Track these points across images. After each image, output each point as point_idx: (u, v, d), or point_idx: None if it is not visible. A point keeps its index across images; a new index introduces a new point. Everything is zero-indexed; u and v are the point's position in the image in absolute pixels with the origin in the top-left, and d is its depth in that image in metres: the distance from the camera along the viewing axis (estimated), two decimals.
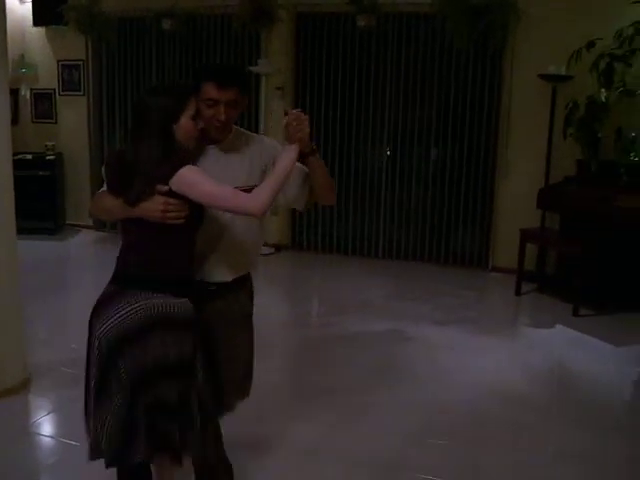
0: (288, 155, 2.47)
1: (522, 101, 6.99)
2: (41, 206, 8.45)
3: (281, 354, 5.17)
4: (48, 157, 8.67)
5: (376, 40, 7.57)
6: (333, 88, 7.84)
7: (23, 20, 8.64)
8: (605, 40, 6.20)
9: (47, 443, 3.69)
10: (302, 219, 8.07)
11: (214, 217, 2.59)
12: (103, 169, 2.56)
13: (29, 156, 8.57)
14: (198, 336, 2.52)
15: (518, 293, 6.61)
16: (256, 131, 7.39)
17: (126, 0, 8.07)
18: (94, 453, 2.45)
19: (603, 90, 6.19)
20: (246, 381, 2.89)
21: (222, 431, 2.91)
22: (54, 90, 8.89)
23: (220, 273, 2.70)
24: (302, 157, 2.55)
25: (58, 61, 8.78)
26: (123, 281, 2.47)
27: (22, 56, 8.69)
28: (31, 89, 8.97)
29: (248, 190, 2.48)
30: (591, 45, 6.21)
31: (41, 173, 8.53)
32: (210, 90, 2.51)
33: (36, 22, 8.54)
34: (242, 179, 2.61)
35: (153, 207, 2.35)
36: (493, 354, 5.16)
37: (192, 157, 2.51)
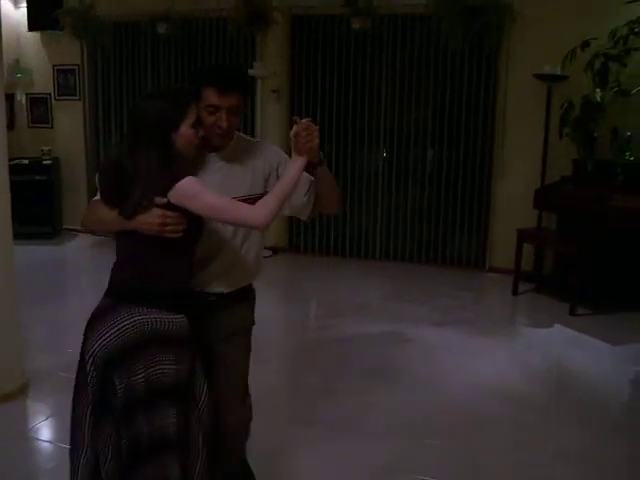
0: (295, 166, 2.37)
1: (518, 101, 7.00)
2: (38, 211, 8.45)
3: (279, 356, 5.17)
4: (44, 162, 8.67)
5: (371, 42, 7.58)
6: (329, 90, 7.84)
7: (18, 25, 8.64)
8: (600, 40, 6.22)
9: (45, 448, 3.70)
10: (299, 221, 8.07)
11: (214, 228, 2.50)
12: (97, 177, 2.46)
13: (25, 161, 8.58)
14: (196, 352, 2.43)
15: (515, 293, 6.62)
16: (252, 134, 7.40)
17: (121, 4, 8.05)
18: None
19: (598, 90, 6.20)
20: (237, 395, 2.75)
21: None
22: (50, 95, 8.89)
23: (220, 284, 2.61)
24: (310, 167, 2.45)
25: (53, 66, 8.78)
26: (117, 295, 2.37)
27: (17, 61, 8.69)
28: (26, 94, 8.97)
29: (251, 200, 2.40)
30: (586, 45, 6.22)
31: (38, 178, 8.53)
32: (211, 96, 2.40)
33: (31, 27, 8.55)
34: (245, 188, 2.53)
35: (150, 220, 2.25)
36: (491, 354, 5.16)
37: (192, 167, 2.41)
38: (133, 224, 2.27)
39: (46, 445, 3.72)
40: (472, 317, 6.15)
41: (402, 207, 7.80)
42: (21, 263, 4.40)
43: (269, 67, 7.64)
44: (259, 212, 2.29)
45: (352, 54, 7.70)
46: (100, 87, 8.75)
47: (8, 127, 4.32)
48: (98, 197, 2.45)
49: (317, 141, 2.37)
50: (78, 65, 8.67)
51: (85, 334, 2.37)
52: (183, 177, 2.24)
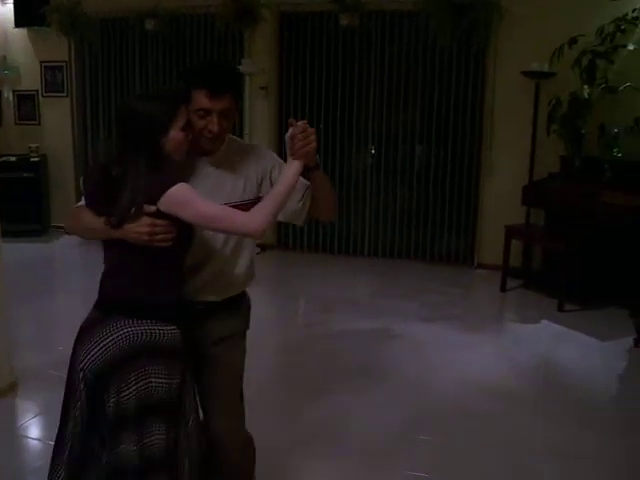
0: (291, 170, 2.26)
1: (505, 98, 7.02)
2: (26, 208, 8.43)
3: (267, 353, 5.16)
4: (32, 159, 8.64)
5: (359, 39, 7.58)
6: (317, 87, 7.85)
7: (5, 21, 8.61)
8: (587, 37, 6.25)
9: (34, 446, 3.69)
10: None
11: (204, 236, 2.39)
12: (82, 182, 2.36)
13: (13, 158, 8.56)
14: (188, 364, 2.33)
15: (503, 289, 6.64)
16: (240, 131, 7.40)
17: (108, 1, 8.03)
18: None
19: (586, 87, 6.23)
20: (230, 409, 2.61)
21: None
22: (37, 91, 8.85)
23: (209, 293, 2.48)
24: (306, 171, 2.34)
25: (41, 62, 8.74)
26: (106, 307, 2.26)
27: (4, 57, 8.65)
28: (14, 91, 8.93)
29: (244, 206, 2.31)
30: (573, 42, 6.25)
31: (25, 175, 8.51)
32: (201, 99, 2.26)
33: (18, 23, 8.50)
34: (237, 194, 2.41)
35: (138, 229, 2.12)
36: (479, 350, 5.18)
37: (183, 172, 2.28)
38: (120, 233, 2.16)
39: (35, 443, 3.71)
40: (460, 313, 6.17)
41: (391, 204, 7.82)
42: (9, 261, 4.38)
43: (257, 64, 7.63)
44: (254, 219, 2.18)
45: (340, 51, 7.71)
46: (88, 84, 8.72)
47: None
48: (83, 202, 2.34)
49: (314, 144, 2.26)
50: (66, 62, 8.62)
51: (74, 348, 2.27)
52: (174, 183, 2.12)
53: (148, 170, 2.14)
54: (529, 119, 6.73)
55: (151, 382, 2.19)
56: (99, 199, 2.23)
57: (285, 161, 2.35)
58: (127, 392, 2.17)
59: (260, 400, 4.11)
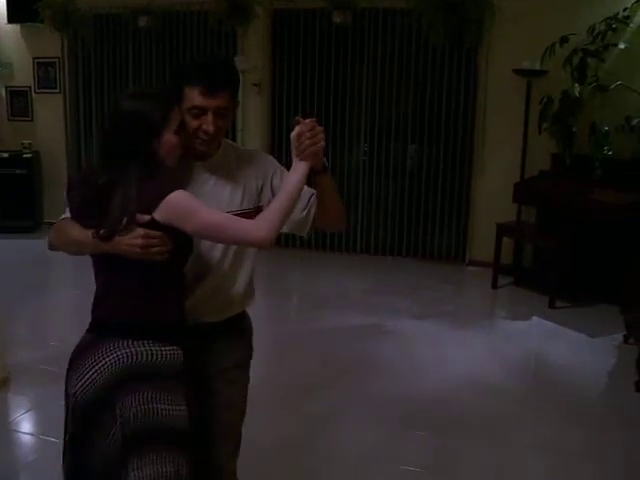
0: (298, 172, 2.05)
1: (497, 96, 7.04)
2: (18, 205, 8.44)
3: (260, 350, 5.15)
4: (25, 155, 8.62)
5: (352, 36, 7.60)
6: (310, 84, 7.86)
7: None
8: (578, 35, 6.28)
9: (27, 441, 3.71)
10: None
11: (200, 248, 2.17)
12: (66, 193, 2.12)
13: (5, 154, 8.55)
14: (190, 389, 2.09)
15: (495, 286, 6.67)
16: (233, 130, 7.42)
17: None
18: None
19: (577, 85, 6.25)
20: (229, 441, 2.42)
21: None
22: (30, 88, 8.83)
23: (206, 313, 2.26)
24: (312, 175, 2.12)
25: (34, 58, 8.71)
26: (99, 329, 2.06)
27: None
28: (6, 87, 8.90)
29: (245, 216, 2.09)
30: (564, 40, 6.28)
31: (18, 172, 8.51)
32: (195, 97, 2.06)
33: (11, 19, 8.48)
34: (236, 203, 2.21)
35: (131, 242, 1.92)
36: (470, 347, 5.22)
37: (177, 179, 2.07)
38: (111, 246, 1.94)
39: (27, 438, 3.73)
40: (452, 310, 6.21)
41: (383, 201, 7.84)
42: (1, 257, 4.39)
43: (250, 61, 7.63)
44: (262, 227, 1.96)
45: (333, 48, 7.72)
46: (81, 80, 8.71)
47: None
48: (67, 214, 2.13)
49: (323, 144, 2.08)
50: (59, 58, 8.61)
51: (67, 374, 2.08)
52: (172, 190, 1.92)
53: (141, 176, 1.94)
54: (521, 117, 6.76)
55: (152, 408, 1.97)
56: (85, 211, 2.03)
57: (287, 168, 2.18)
58: (124, 419, 1.95)
59: (252, 397, 4.13)
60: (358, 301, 6.31)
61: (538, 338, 5.49)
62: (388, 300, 6.31)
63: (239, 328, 2.43)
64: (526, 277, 6.82)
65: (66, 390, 2.08)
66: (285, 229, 2.20)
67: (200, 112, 2.08)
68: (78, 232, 2.02)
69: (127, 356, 1.96)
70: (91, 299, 2.10)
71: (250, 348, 2.51)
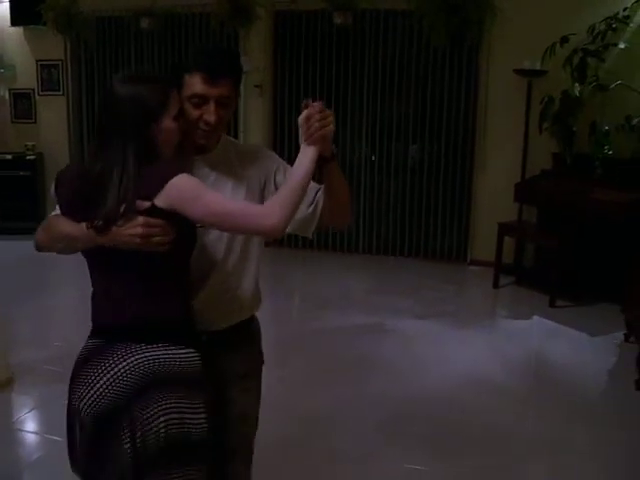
0: (307, 157, 1.86)
1: (498, 96, 7.06)
2: (22, 206, 8.44)
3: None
4: (28, 157, 8.66)
5: (353, 37, 7.61)
6: (311, 85, 7.87)
7: (1, 20, 8.61)
8: (578, 35, 6.30)
9: (31, 439, 3.73)
10: None
11: (203, 242, 2.03)
12: (54, 188, 1.97)
13: (9, 156, 8.59)
14: (209, 397, 1.94)
15: (496, 286, 6.68)
16: (235, 130, 7.44)
17: None
18: None
19: (577, 85, 6.27)
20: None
21: None
22: (33, 90, 8.87)
23: (216, 318, 2.12)
24: (319, 163, 1.94)
25: (37, 61, 8.76)
26: (103, 334, 1.90)
27: (0, 56, 8.67)
28: (10, 89, 8.94)
29: None
30: (565, 40, 6.30)
31: (22, 173, 8.54)
32: (196, 84, 1.93)
33: (14, 22, 8.52)
34: (239, 199, 2.08)
35: (130, 231, 1.75)
36: (472, 346, 5.23)
37: (182, 166, 1.87)
38: (108, 238, 1.78)
39: (31, 436, 3.76)
40: (454, 309, 6.23)
41: (384, 201, 7.85)
42: (5, 258, 4.42)
43: (252, 62, 7.65)
44: (274, 213, 1.76)
45: (334, 49, 7.74)
46: (84, 82, 8.74)
47: None
48: (57, 211, 1.99)
49: (333, 127, 1.92)
50: (62, 60, 8.65)
51: (70, 385, 1.91)
52: (175, 173, 1.76)
53: (139, 163, 1.79)
54: (521, 117, 6.77)
55: (176, 418, 1.83)
56: (77, 204, 1.86)
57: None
58: (142, 437, 1.79)
59: None
60: (360, 301, 6.32)
61: (539, 337, 5.51)
62: (390, 300, 6.33)
63: (248, 333, 2.32)
64: (527, 276, 6.83)
65: (70, 402, 1.90)
66: (289, 229, 2.01)
67: (201, 101, 1.96)
68: (70, 226, 1.86)
69: (146, 361, 1.81)
70: None
71: (260, 354, 2.40)
